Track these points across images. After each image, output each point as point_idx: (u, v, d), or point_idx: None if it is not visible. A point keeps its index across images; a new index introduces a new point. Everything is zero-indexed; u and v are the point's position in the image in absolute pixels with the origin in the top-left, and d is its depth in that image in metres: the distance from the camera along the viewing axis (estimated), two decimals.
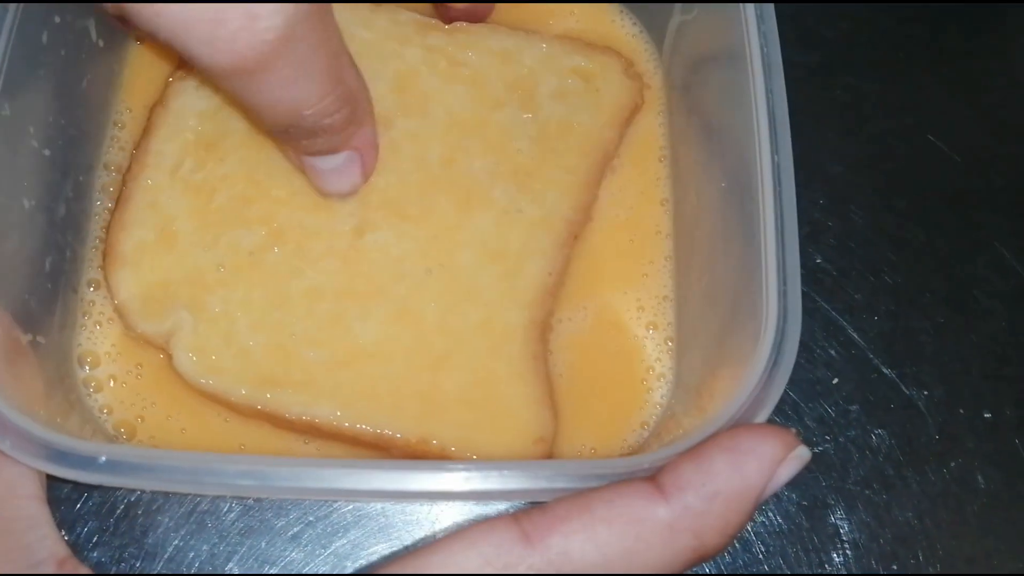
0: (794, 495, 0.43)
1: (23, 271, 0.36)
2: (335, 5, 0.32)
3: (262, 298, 0.38)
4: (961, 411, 0.45)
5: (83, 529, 0.40)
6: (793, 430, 0.28)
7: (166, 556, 0.40)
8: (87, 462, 0.29)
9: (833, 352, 0.46)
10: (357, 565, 0.40)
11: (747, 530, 0.42)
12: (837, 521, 0.43)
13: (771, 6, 0.35)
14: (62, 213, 0.39)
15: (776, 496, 0.43)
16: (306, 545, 0.40)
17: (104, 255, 0.40)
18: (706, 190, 0.39)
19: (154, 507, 0.40)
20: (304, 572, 0.40)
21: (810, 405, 0.44)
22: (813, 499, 0.43)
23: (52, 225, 0.38)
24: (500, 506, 0.40)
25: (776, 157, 0.33)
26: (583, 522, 0.25)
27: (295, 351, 0.37)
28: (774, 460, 0.27)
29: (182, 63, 0.43)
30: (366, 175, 0.39)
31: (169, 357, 0.38)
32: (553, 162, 0.41)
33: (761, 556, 0.42)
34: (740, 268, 0.34)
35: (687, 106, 0.43)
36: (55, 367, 0.37)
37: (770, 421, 0.30)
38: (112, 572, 0.39)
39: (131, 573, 0.39)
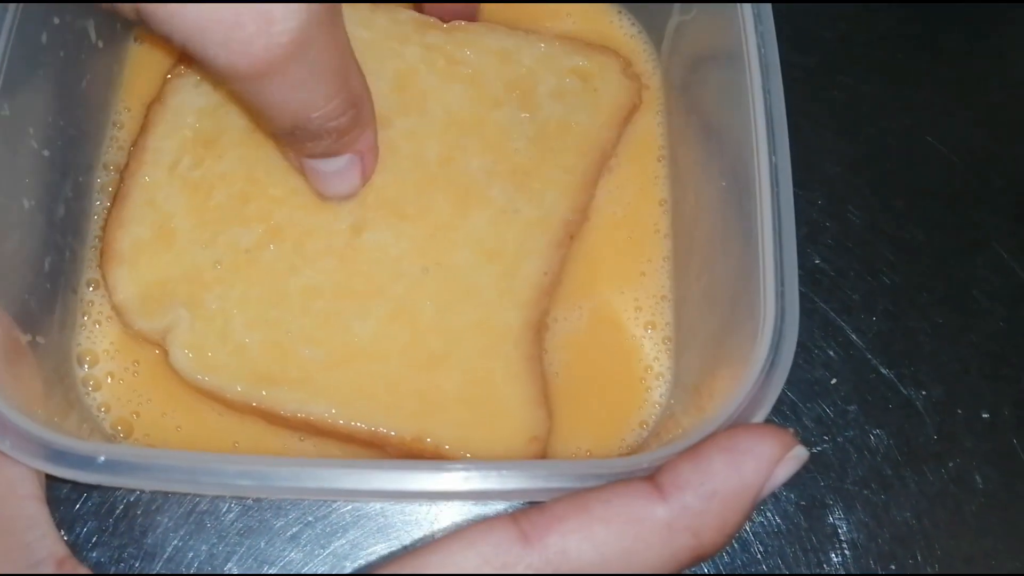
0: (792, 495, 0.43)
1: (23, 271, 0.36)
2: None
3: (259, 296, 0.38)
4: (959, 411, 0.45)
5: (82, 529, 0.40)
6: (791, 430, 0.28)
7: (165, 556, 0.40)
8: (86, 462, 0.29)
9: (831, 352, 0.46)
10: (356, 565, 0.40)
11: (745, 530, 0.42)
12: (835, 521, 0.43)
13: (769, 6, 0.35)
14: (61, 213, 0.39)
15: (774, 496, 0.43)
16: (305, 545, 0.40)
17: (101, 252, 0.40)
18: (705, 190, 0.39)
19: (153, 507, 0.40)
20: (303, 572, 0.40)
21: (808, 405, 0.45)
22: (811, 499, 0.43)
23: (51, 225, 0.38)
24: (499, 506, 0.40)
25: (774, 157, 0.33)
26: (581, 522, 0.25)
27: (291, 349, 0.38)
28: (772, 460, 0.27)
29: (181, 60, 0.42)
30: (365, 178, 0.39)
31: (166, 354, 0.38)
32: (551, 162, 0.41)
33: (760, 556, 0.42)
34: (738, 268, 0.34)
35: (686, 106, 0.43)
36: (54, 367, 0.37)
37: (769, 421, 0.30)
38: (111, 572, 0.39)
39: (130, 573, 0.39)
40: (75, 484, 0.39)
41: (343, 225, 0.39)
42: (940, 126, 0.50)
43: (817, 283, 0.47)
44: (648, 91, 0.45)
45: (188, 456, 0.29)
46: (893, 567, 0.42)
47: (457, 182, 0.40)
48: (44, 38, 0.36)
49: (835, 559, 0.42)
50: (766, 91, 0.34)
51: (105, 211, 0.41)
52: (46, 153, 0.37)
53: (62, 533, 0.31)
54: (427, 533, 0.41)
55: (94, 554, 0.40)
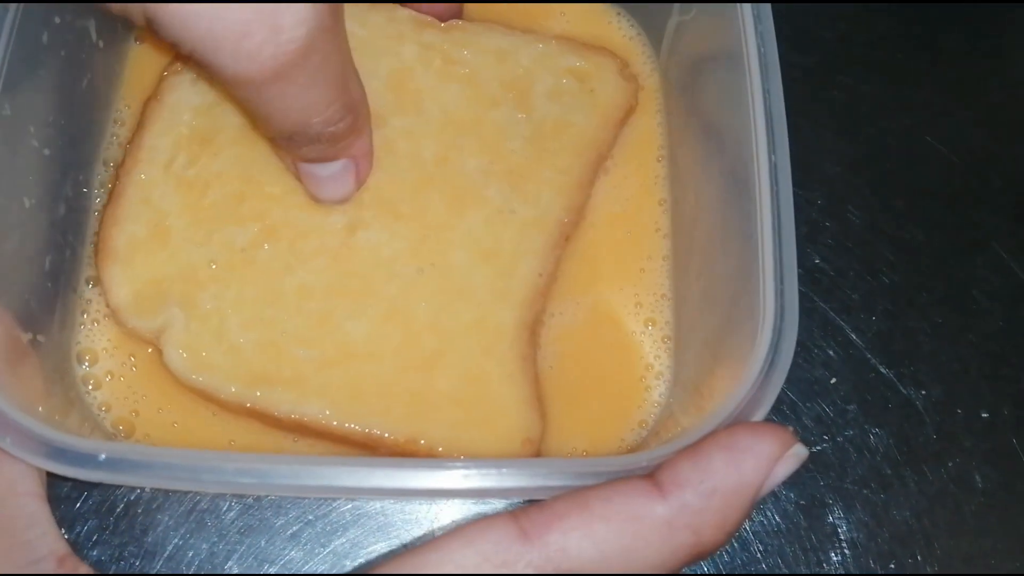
0: (792, 494, 0.43)
1: (23, 270, 0.36)
2: None
3: (254, 296, 0.38)
4: (959, 411, 0.45)
5: (83, 527, 0.40)
6: (790, 428, 0.28)
7: (165, 555, 0.40)
8: (87, 459, 0.29)
9: (831, 352, 0.46)
10: (356, 564, 0.40)
11: (745, 529, 0.42)
12: (835, 520, 0.43)
13: (768, 6, 0.35)
14: (62, 212, 0.39)
15: (774, 495, 0.43)
16: (305, 544, 0.40)
17: (96, 250, 0.40)
18: (704, 190, 0.39)
19: (154, 506, 0.40)
20: (303, 570, 0.40)
21: (808, 405, 0.45)
22: (811, 498, 0.43)
23: (52, 224, 0.38)
24: (499, 505, 0.40)
25: (773, 157, 0.33)
26: (581, 519, 0.26)
27: (286, 349, 0.37)
28: (771, 458, 0.27)
29: (178, 57, 0.42)
30: (359, 183, 0.39)
31: (160, 353, 0.38)
32: (547, 162, 0.41)
33: (759, 555, 0.42)
34: (738, 267, 0.34)
35: (685, 106, 0.43)
36: (55, 365, 0.37)
37: (768, 420, 0.30)
38: (111, 570, 0.39)
39: (130, 571, 0.39)
40: (76, 482, 0.40)
41: (338, 225, 0.39)
42: (940, 126, 0.50)
43: (817, 283, 0.47)
44: (647, 91, 0.45)
45: (188, 454, 0.29)
46: (892, 566, 0.42)
47: (453, 182, 0.40)
48: (45, 38, 0.36)
49: (835, 558, 0.42)
50: (765, 91, 0.34)
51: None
52: (47, 152, 0.37)
53: (62, 531, 0.31)
54: (427, 532, 0.41)
55: (94, 552, 0.40)
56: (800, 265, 0.32)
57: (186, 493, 0.41)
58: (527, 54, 0.43)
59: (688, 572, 0.41)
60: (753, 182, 0.33)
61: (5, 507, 0.30)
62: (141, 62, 0.45)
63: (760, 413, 0.30)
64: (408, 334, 0.38)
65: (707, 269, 0.38)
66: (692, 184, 0.41)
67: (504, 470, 0.29)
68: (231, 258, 0.39)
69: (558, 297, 0.41)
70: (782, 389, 0.30)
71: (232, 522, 0.41)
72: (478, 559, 0.25)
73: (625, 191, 0.44)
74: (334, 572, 0.40)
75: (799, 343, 0.31)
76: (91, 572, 0.29)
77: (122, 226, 0.39)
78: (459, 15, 0.44)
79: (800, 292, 0.31)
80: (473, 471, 0.29)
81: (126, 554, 0.40)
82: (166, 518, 0.40)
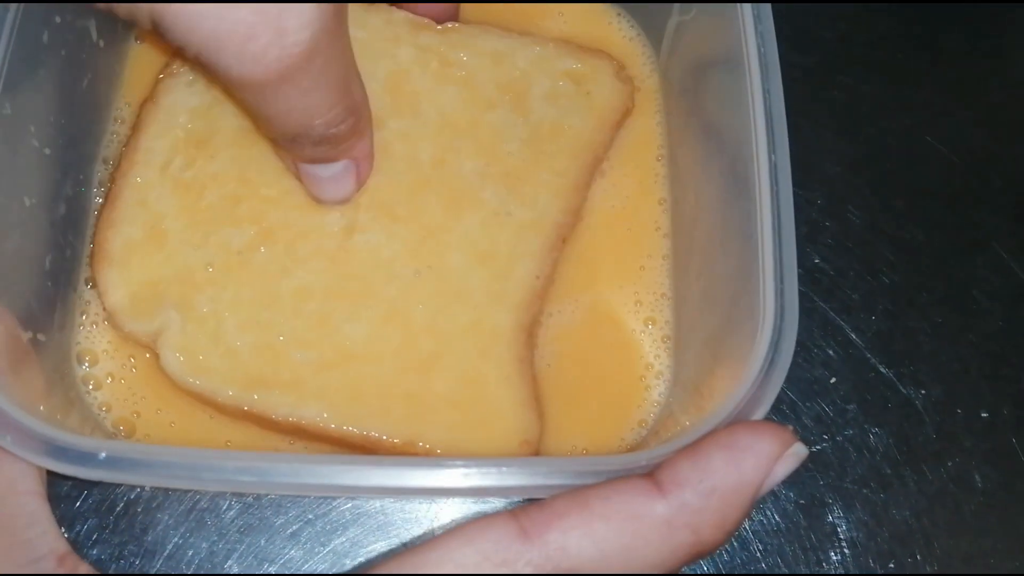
0: (792, 494, 0.43)
1: (24, 269, 0.36)
2: None
3: (251, 298, 0.38)
4: (959, 410, 0.45)
5: (83, 526, 0.40)
6: (790, 427, 0.28)
7: (165, 554, 0.40)
8: (87, 458, 0.29)
9: (831, 352, 0.46)
10: (356, 563, 0.40)
11: (745, 528, 0.42)
12: (835, 520, 0.43)
13: (768, 6, 0.35)
14: (62, 212, 0.39)
15: (774, 495, 0.43)
16: (305, 543, 0.40)
17: (92, 253, 0.40)
18: (704, 190, 0.39)
19: (154, 505, 0.40)
20: (303, 569, 0.40)
21: (808, 404, 0.45)
22: (811, 498, 0.43)
23: (52, 224, 0.38)
24: (499, 504, 0.40)
25: (773, 156, 0.33)
26: (581, 518, 0.26)
27: (283, 352, 0.37)
28: (771, 457, 0.27)
29: (176, 57, 0.42)
30: (360, 184, 0.39)
31: (157, 357, 0.38)
32: (543, 165, 0.41)
33: (759, 554, 0.42)
34: (738, 267, 0.34)
35: (685, 106, 0.43)
36: (55, 365, 0.37)
37: (768, 420, 0.30)
38: (111, 569, 0.39)
39: (130, 570, 0.40)
40: (76, 481, 0.40)
41: (335, 227, 0.39)
42: (940, 126, 0.50)
43: (817, 282, 0.47)
44: (647, 91, 0.45)
45: (188, 452, 0.29)
46: (892, 566, 0.42)
47: (449, 184, 0.40)
48: (45, 37, 0.36)
49: (834, 558, 0.42)
50: (765, 91, 0.34)
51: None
52: (47, 152, 0.37)
53: (62, 530, 0.31)
54: (427, 531, 0.41)
55: (94, 551, 0.40)
56: (800, 265, 0.32)
57: (186, 492, 0.41)
58: (524, 56, 0.43)
59: (688, 571, 0.42)
60: (753, 181, 0.33)
61: (5, 506, 0.30)
62: (141, 62, 0.45)
63: (760, 412, 0.30)
64: (406, 336, 0.38)
65: (707, 268, 0.38)
66: (692, 184, 0.41)
67: (504, 469, 0.29)
68: (228, 260, 0.39)
69: (558, 296, 0.41)
70: (782, 389, 0.30)
71: (232, 521, 0.41)
72: (478, 558, 0.25)
73: (625, 190, 0.44)
74: (334, 571, 0.40)
75: (799, 343, 0.31)
76: (91, 571, 0.29)
77: (118, 228, 0.39)
78: (455, 17, 0.44)
79: (800, 292, 0.31)
80: (473, 470, 0.29)
81: (126, 553, 0.40)
82: (166, 517, 0.40)
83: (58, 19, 0.37)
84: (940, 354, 0.46)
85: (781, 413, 0.44)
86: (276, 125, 0.33)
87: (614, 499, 0.26)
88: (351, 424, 0.36)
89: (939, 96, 0.51)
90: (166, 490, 0.41)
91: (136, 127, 0.41)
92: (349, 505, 0.41)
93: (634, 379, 0.40)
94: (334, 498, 0.41)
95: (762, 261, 0.32)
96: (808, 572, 0.42)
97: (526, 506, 0.26)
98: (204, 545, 0.40)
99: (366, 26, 0.42)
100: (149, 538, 0.40)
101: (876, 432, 0.44)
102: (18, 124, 0.35)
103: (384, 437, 0.36)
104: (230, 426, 0.39)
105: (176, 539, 0.40)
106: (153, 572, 0.40)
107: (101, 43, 0.41)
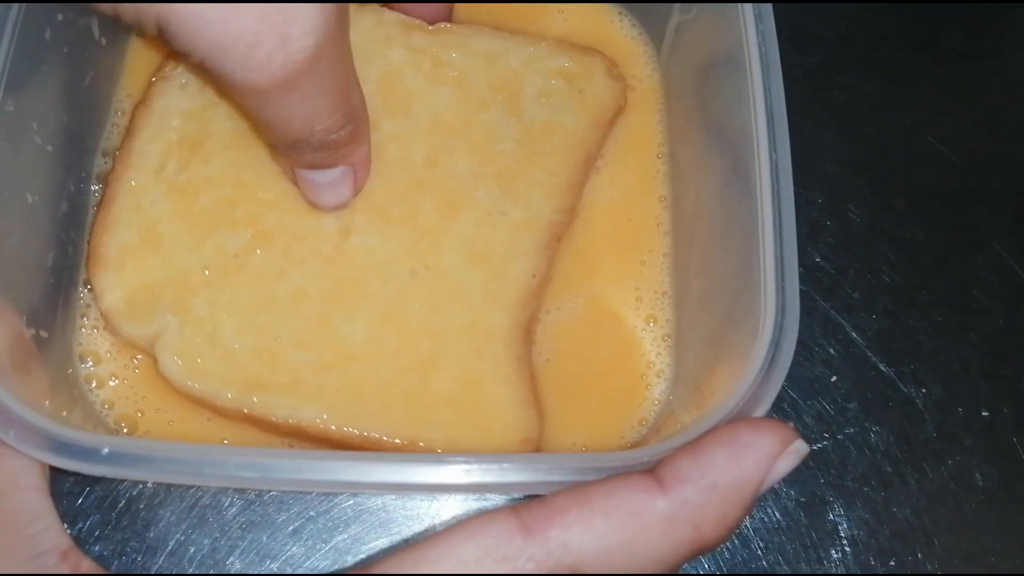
0: (793, 492, 0.43)
1: (26, 266, 0.36)
2: None
3: (248, 301, 0.38)
4: (959, 409, 0.45)
5: (85, 523, 0.40)
6: (791, 424, 0.28)
7: (167, 550, 0.40)
8: (90, 454, 0.29)
9: (831, 350, 0.46)
10: (357, 560, 0.40)
11: (746, 526, 0.42)
12: (836, 518, 0.43)
13: (769, 6, 0.36)
14: (64, 209, 0.39)
15: (775, 493, 0.43)
16: (307, 540, 0.40)
17: (88, 257, 0.39)
18: (705, 188, 0.39)
19: (156, 501, 0.40)
20: (304, 566, 0.40)
21: (809, 403, 0.45)
22: (812, 496, 0.43)
23: (55, 221, 0.38)
24: (500, 501, 0.40)
25: (774, 155, 0.33)
26: (582, 514, 0.26)
27: (281, 354, 0.37)
28: (772, 453, 0.27)
29: (169, 58, 0.42)
30: (357, 190, 0.39)
31: (155, 361, 0.38)
32: (537, 164, 0.41)
33: (760, 552, 0.42)
34: (739, 265, 0.34)
35: (686, 105, 0.43)
36: (58, 362, 0.38)
37: (769, 417, 0.30)
38: (113, 565, 0.39)
39: (132, 567, 0.40)
40: (78, 478, 0.40)
41: (331, 229, 0.39)
42: (940, 126, 0.50)
43: (817, 281, 0.47)
44: (648, 90, 0.45)
45: (191, 448, 0.29)
46: (893, 564, 0.42)
47: (444, 185, 0.40)
48: (48, 35, 0.36)
49: (835, 556, 0.42)
50: (766, 89, 0.34)
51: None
52: (49, 149, 0.37)
53: (64, 527, 0.31)
54: (428, 528, 0.41)
55: (96, 548, 0.40)
56: (801, 264, 0.32)
57: (188, 489, 0.41)
58: (516, 56, 0.43)
59: (689, 568, 0.42)
60: (754, 179, 0.33)
61: (8, 501, 0.30)
62: (142, 60, 0.45)
63: (761, 410, 0.30)
64: (403, 337, 0.38)
65: (708, 266, 0.38)
66: (693, 182, 0.41)
67: (506, 465, 0.29)
68: (224, 263, 0.39)
69: (558, 293, 0.41)
70: (783, 387, 0.30)
71: (234, 518, 0.41)
72: (479, 553, 0.25)
73: (626, 188, 0.44)
74: (335, 568, 0.40)
75: (799, 341, 0.31)
76: (94, 566, 0.29)
77: (113, 232, 0.39)
78: (448, 17, 0.44)
79: (801, 291, 0.32)
80: (474, 466, 0.29)
81: (128, 549, 0.40)
82: (168, 514, 0.40)
83: (60, 17, 0.37)
84: (940, 353, 0.46)
85: (782, 411, 0.44)
86: (277, 131, 0.33)
87: (615, 495, 0.26)
88: (350, 425, 0.36)
89: (939, 96, 0.51)
90: (168, 487, 0.41)
91: (129, 130, 0.41)
92: (351, 502, 0.41)
93: (635, 377, 0.41)
94: (336, 495, 0.41)
95: (763, 259, 0.32)
96: (809, 570, 0.42)
97: (527, 502, 0.26)
98: (206, 542, 0.40)
99: (357, 27, 0.41)
100: (151, 535, 0.40)
101: (877, 431, 0.44)
102: (20, 121, 0.35)
103: (384, 438, 0.36)
104: (229, 429, 0.38)
105: (178, 536, 0.40)
106: (155, 568, 0.40)
107: (103, 41, 0.41)
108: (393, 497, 0.41)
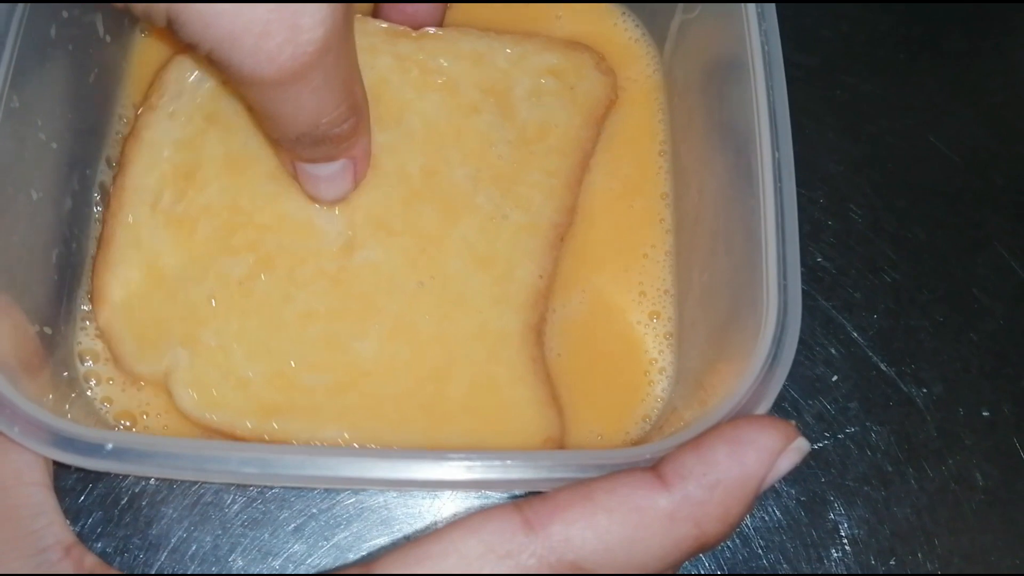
0: (793, 491, 0.43)
1: (30, 262, 0.36)
2: None
3: (257, 327, 0.38)
4: (960, 409, 0.45)
5: (87, 520, 0.40)
6: (793, 422, 0.28)
7: (170, 547, 0.40)
8: (94, 449, 0.29)
9: (833, 350, 0.46)
10: (359, 557, 0.40)
11: (746, 525, 0.42)
12: (836, 517, 0.43)
13: (773, 5, 0.36)
14: (68, 206, 0.39)
15: (775, 492, 0.43)
16: (309, 537, 0.40)
17: (92, 298, 0.39)
18: (707, 186, 0.39)
19: (158, 498, 0.41)
20: (306, 563, 0.40)
21: (809, 402, 0.45)
22: (812, 495, 0.43)
23: (59, 218, 0.38)
24: (501, 499, 0.40)
25: (777, 153, 0.33)
26: (585, 510, 0.26)
27: (295, 377, 0.37)
28: (774, 451, 0.27)
29: (151, 91, 0.41)
30: (357, 182, 0.39)
31: (170, 396, 0.37)
32: (534, 165, 0.41)
33: (760, 551, 0.42)
34: (741, 263, 0.34)
35: (688, 103, 0.43)
36: (61, 358, 0.38)
37: (770, 415, 0.30)
38: (116, 562, 0.40)
39: (135, 563, 0.40)
40: (80, 475, 0.40)
41: (333, 247, 0.39)
42: (941, 126, 0.50)
43: (819, 281, 0.47)
44: (650, 89, 0.45)
45: (195, 444, 0.29)
46: (893, 563, 0.42)
47: (443, 193, 0.40)
48: (53, 32, 0.36)
49: (835, 555, 0.42)
50: (769, 88, 0.34)
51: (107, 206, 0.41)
52: (54, 146, 0.37)
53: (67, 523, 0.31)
54: (430, 525, 0.41)
55: (99, 544, 0.40)
56: (802, 263, 0.32)
57: (190, 486, 0.41)
58: (503, 56, 0.42)
59: (690, 567, 0.42)
60: (757, 178, 0.33)
61: (12, 496, 0.30)
62: (147, 57, 0.45)
63: (763, 408, 0.30)
64: (415, 349, 0.38)
65: (710, 264, 0.38)
66: (695, 180, 0.41)
67: (508, 462, 0.29)
68: (229, 292, 0.38)
69: (560, 292, 0.41)
70: (784, 386, 0.31)
71: (236, 515, 0.41)
72: (482, 548, 0.25)
73: (627, 186, 0.44)
74: (337, 565, 0.40)
75: (801, 340, 0.31)
76: (97, 561, 0.29)
77: (115, 271, 0.38)
78: (440, 22, 0.43)
79: (802, 290, 0.32)
80: (477, 463, 0.29)
81: (130, 546, 0.40)
82: (170, 511, 0.40)
83: (65, 14, 0.37)
84: (941, 352, 0.46)
85: (783, 411, 0.44)
86: (283, 124, 0.33)
87: (618, 491, 0.26)
88: (372, 442, 0.36)
89: (941, 96, 0.51)
90: (171, 484, 0.41)
91: (121, 165, 0.40)
92: (352, 500, 0.41)
93: (638, 374, 0.41)
94: (338, 493, 0.41)
95: (766, 257, 0.32)
96: (809, 569, 0.42)
97: (530, 498, 0.26)
98: (208, 539, 0.40)
99: None
100: (153, 531, 0.40)
101: (877, 430, 0.44)
102: (26, 118, 0.35)
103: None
104: None
105: (180, 533, 0.40)
106: (157, 565, 0.40)
107: (107, 38, 0.41)
108: (395, 495, 0.41)
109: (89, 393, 0.39)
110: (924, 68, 0.52)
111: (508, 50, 0.43)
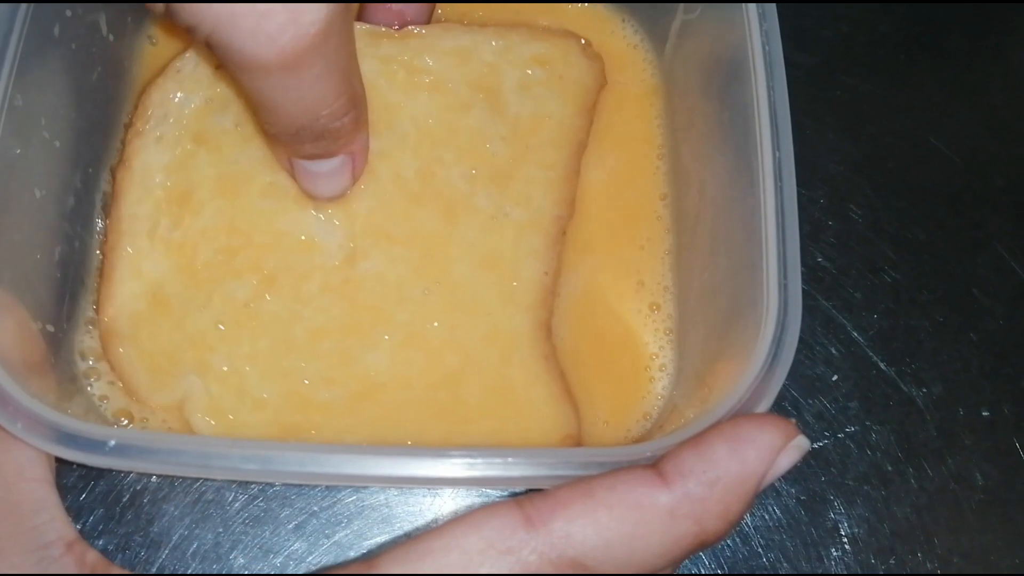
0: (793, 490, 0.43)
1: (34, 260, 0.36)
2: None
3: (267, 348, 0.37)
4: (959, 409, 0.45)
5: (89, 517, 0.40)
6: (793, 420, 0.28)
7: (171, 544, 0.40)
8: (96, 445, 0.29)
9: (833, 349, 0.46)
10: (360, 555, 0.40)
11: (746, 524, 0.42)
12: (836, 516, 0.43)
13: (773, 5, 0.36)
14: (71, 204, 0.39)
15: (775, 491, 0.43)
16: (310, 535, 0.40)
17: (100, 334, 0.39)
18: (708, 185, 0.39)
19: (160, 496, 0.41)
20: (307, 561, 0.40)
21: (810, 401, 0.45)
22: (812, 494, 0.43)
23: (62, 216, 0.38)
24: (502, 497, 0.40)
25: (778, 153, 0.33)
26: (585, 507, 0.26)
27: (310, 395, 0.37)
28: (774, 449, 0.27)
29: (137, 115, 0.41)
30: (355, 178, 0.38)
31: (189, 425, 0.37)
32: (530, 160, 0.41)
33: (760, 550, 0.42)
34: (741, 262, 0.34)
35: (689, 103, 0.43)
36: (63, 355, 0.38)
37: (771, 413, 0.30)
38: (117, 559, 0.40)
39: (136, 560, 0.40)
40: (82, 472, 0.40)
41: (336, 260, 0.39)
42: (941, 126, 0.50)
43: (819, 280, 0.47)
44: (651, 89, 0.46)
45: (197, 440, 0.30)
46: (893, 563, 0.42)
47: (441, 195, 0.40)
48: (56, 30, 0.36)
49: (835, 554, 0.42)
50: (770, 87, 0.34)
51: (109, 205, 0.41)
52: (57, 144, 0.37)
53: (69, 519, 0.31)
54: (430, 523, 0.41)
55: (100, 541, 0.40)
56: (802, 263, 0.32)
57: (192, 484, 0.41)
58: (488, 49, 0.42)
59: (690, 565, 0.42)
60: (758, 178, 0.33)
61: (14, 492, 0.30)
62: (150, 56, 0.45)
63: (763, 406, 0.30)
64: (427, 356, 0.38)
65: (711, 263, 0.38)
66: (695, 180, 0.41)
67: (509, 459, 0.29)
68: (236, 314, 0.38)
69: (560, 289, 0.41)
70: (784, 385, 0.31)
71: (237, 512, 0.41)
72: (482, 545, 0.25)
73: (627, 186, 0.44)
74: (338, 563, 0.40)
75: (801, 340, 0.31)
76: (99, 557, 0.29)
77: (120, 305, 0.38)
78: (427, 20, 0.43)
79: (802, 290, 0.32)
80: (478, 460, 0.29)
81: (132, 543, 0.40)
82: (172, 508, 0.40)
83: (69, 13, 0.37)
84: (941, 352, 0.46)
85: (783, 410, 0.44)
86: (283, 116, 0.33)
87: (618, 488, 0.26)
88: None
89: (941, 96, 0.51)
90: (172, 481, 0.41)
91: (114, 195, 0.40)
92: (353, 498, 0.41)
93: (638, 371, 0.41)
94: (339, 491, 0.41)
95: (766, 257, 0.32)
96: (809, 568, 0.42)
97: (531, 495, 0.26)
98: (209, 536, 0.40)
99: None
100: (155, 529, 0.40)
101: (877, 429, 0.45)
102: (29, 116, 0.35)
103: None
104: None
105: (182, 530, 0.40)
106: (158, 562, 0.40)
107: (111, 37, 0.41)
108: (395, 493, 0.41)
109: (90, 390, 0.39)
110: (924, 68, 0.52)
111: (493, 43, 0.42)
